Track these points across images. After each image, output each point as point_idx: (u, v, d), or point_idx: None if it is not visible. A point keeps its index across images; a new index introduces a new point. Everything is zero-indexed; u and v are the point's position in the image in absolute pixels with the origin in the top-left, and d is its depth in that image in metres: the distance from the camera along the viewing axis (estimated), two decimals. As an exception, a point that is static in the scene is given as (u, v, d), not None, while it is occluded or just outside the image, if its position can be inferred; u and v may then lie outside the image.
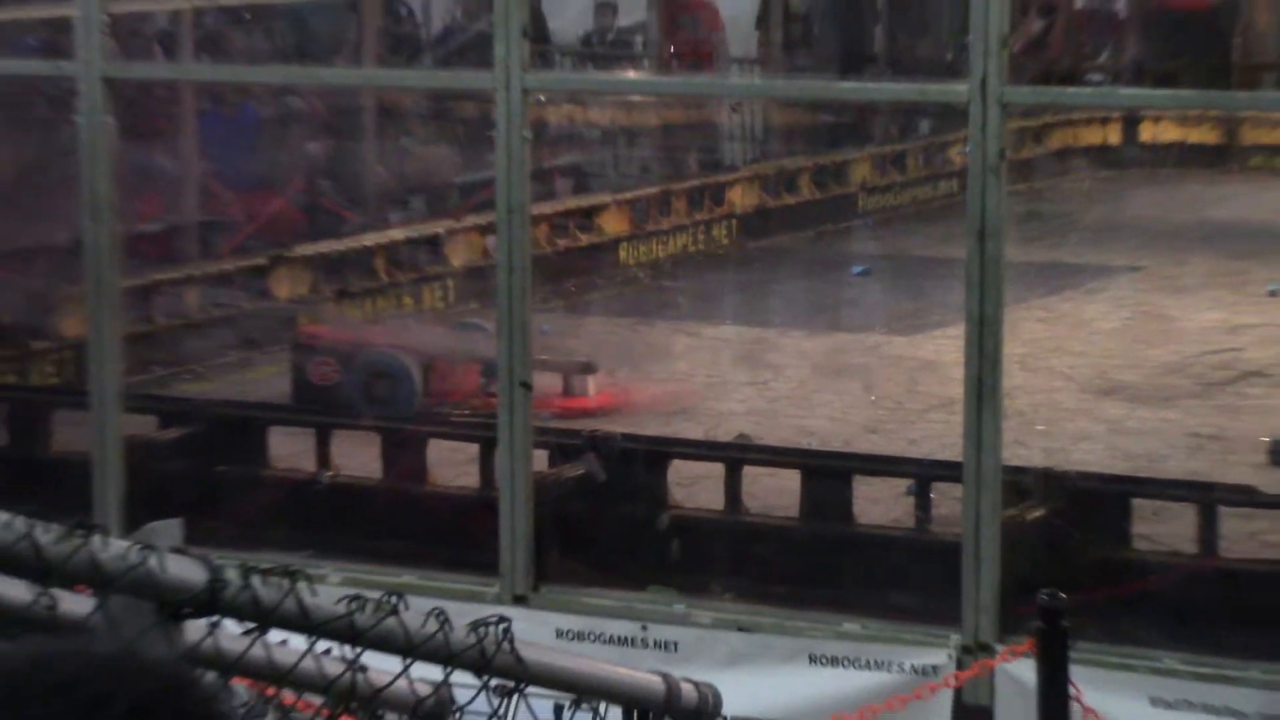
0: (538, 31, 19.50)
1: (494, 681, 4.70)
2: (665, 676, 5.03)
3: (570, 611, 8.68)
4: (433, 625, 4.49)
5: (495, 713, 4.77)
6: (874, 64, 19.90)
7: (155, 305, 12.66)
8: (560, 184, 16.86)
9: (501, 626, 4.58)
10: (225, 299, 13.55)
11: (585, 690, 4.89)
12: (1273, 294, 14.91)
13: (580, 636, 8.50)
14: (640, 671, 5.19)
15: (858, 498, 9.50)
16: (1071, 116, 20.24)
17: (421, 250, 14.77)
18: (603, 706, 4.92)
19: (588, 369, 11.91)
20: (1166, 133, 20.70)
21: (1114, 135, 20.78)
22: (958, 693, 8.08)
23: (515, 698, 4.78)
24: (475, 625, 4.61)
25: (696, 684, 5.09)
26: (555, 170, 16.73)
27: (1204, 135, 20.72)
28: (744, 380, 12.78)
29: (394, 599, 4.49)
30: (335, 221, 15.38)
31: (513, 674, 4.65)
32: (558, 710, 5.00)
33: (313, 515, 9.76)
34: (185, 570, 3.84)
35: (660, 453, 9.90)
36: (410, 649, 4.49)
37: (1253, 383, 12.75)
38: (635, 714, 4.97)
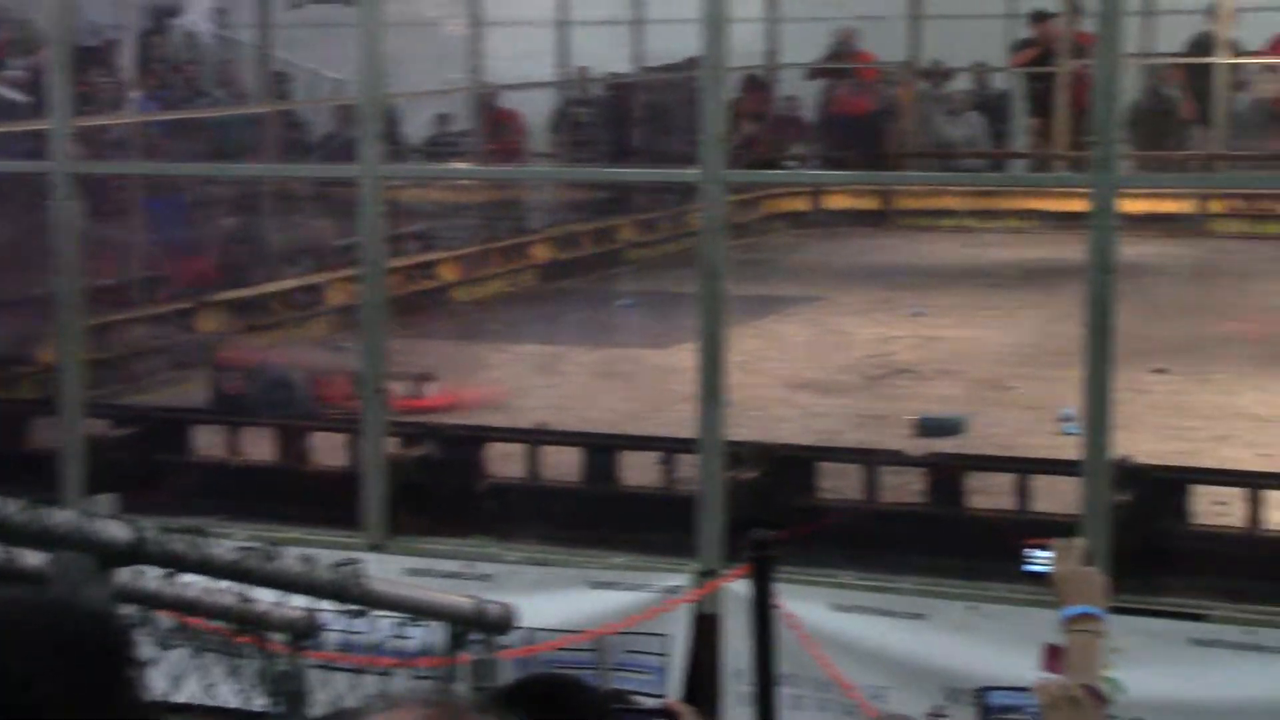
0: (392, 135, 19.35)
1: (349, 607, 4.63)
2: (474, 599, 4.97)
3: (415, 555, 8.60)
4: (303, 566, 4.41)
5: (351, 630, 4.69)
6: (635, 154, 19.97)
7: (111, 338, 12.46)
8: (411, 245, 16.81)
9: (354, 566, 4.51)
10: (162, 333, 13.40)
11: (416, 611, 4.83)
12: (914, 315, 15.03)
13: (422, 573, 8.41)
14: (458, 596, 5.13)
15: (623, 466, 9.47)
16: (774, 191, 20.37)
17: (309, 294, 14.71)
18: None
19: (428, 378, 11.81)
20: (841, 202, 20.89)
21: (805, 204, 20.92)
22: (696, 605, 8.07)
23: (365, 619, 4.70)
24: (335, 566, 4.53)
25: (498, 603, 5.04)
26: (408, 235, 16.71)
27: (868, 203, 20.93)
28: (541, 384, 12.73)
29: (273, 548, 4.41)
30: (244, 275, 15.27)
31: (362, 601, 4.58)
32: (398, 626, 4.92)
33: (225, 489, 9.61)
34: (116, 531, 3.75)
35: (479, 437, 9.83)
36: (287, 585, 4.41)
37: (902, 377, 12.86)
38: (453, 627, 4.92)
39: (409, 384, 11.40)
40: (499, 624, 4.99)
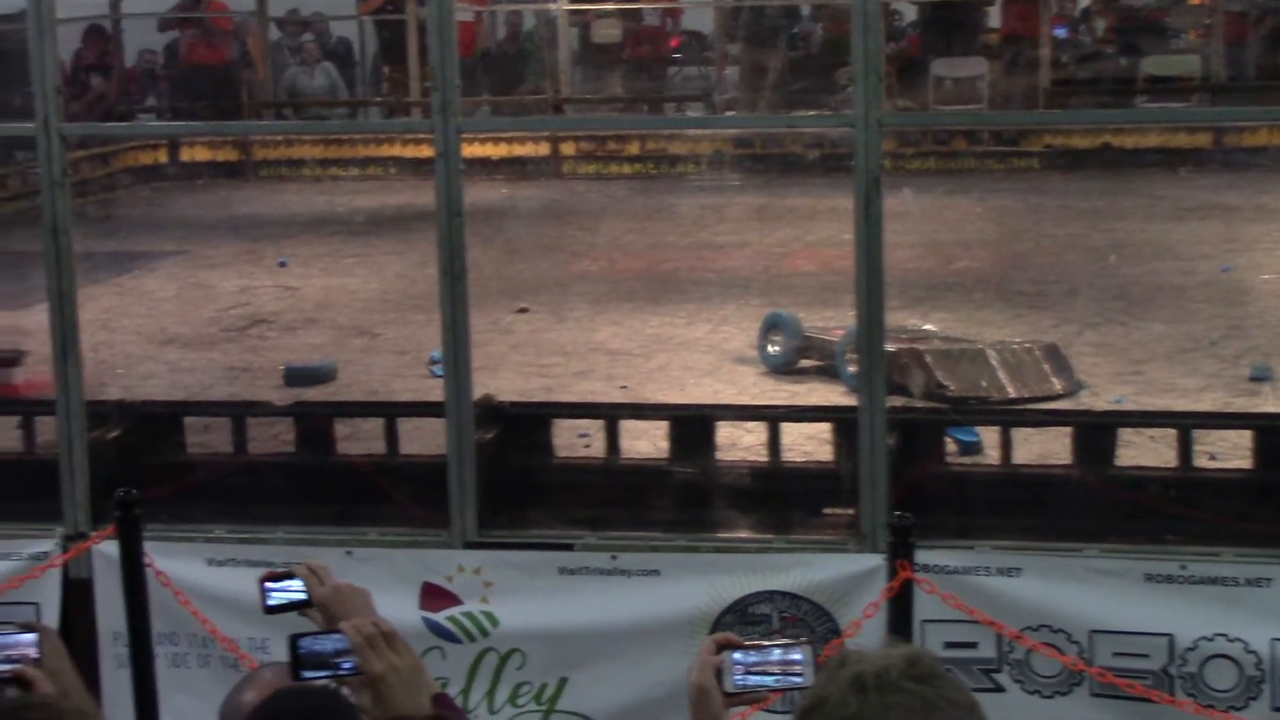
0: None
1: None
2: None
3: None
4: None
5: None
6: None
7: None
8: None
9: None
10: None
11: None
12: (281, 265, 14.96)
13: None
14: None
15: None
16: (127, 145, 19.87)
17: None
18: None
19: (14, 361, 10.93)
20: (200, 154, 20.58)
21: (163, 156, 20.50)
22: (65, 569, 7.81)
23: None
24: None
25: None
26: None
27: (227, 155, 20.69)
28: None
29: None
30: None
31: None
32: None
33: None
34: None
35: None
36: None
37: (269, 328, 12.78)
38: None
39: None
40: None
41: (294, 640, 3.25)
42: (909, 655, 2.65)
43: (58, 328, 7.89)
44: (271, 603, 3.44)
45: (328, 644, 3.25)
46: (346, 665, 3.25)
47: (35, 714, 2.94)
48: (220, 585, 7.61)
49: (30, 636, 3.70)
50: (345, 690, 3.33)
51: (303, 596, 3.47)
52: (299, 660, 3.25)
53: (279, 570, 3.49)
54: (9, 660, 3.66)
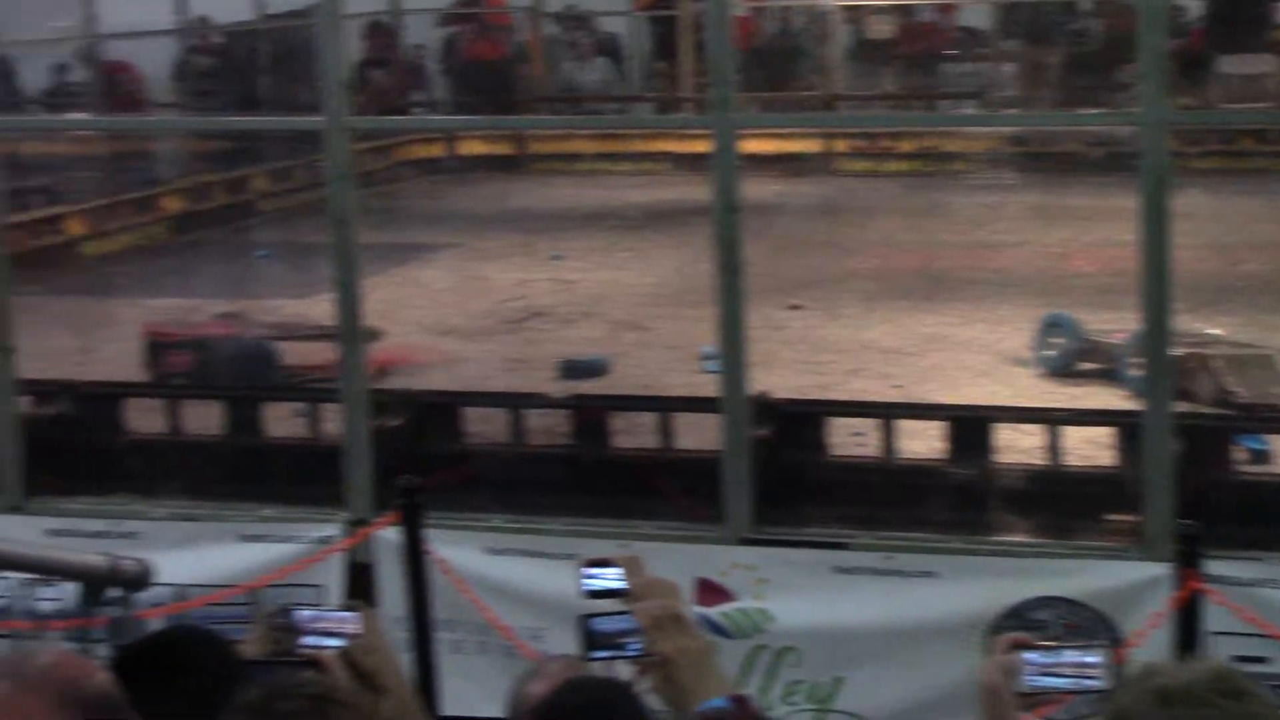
0: (8, 86, 18.71)
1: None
2: (109, 555, 4.83)
3: (56, 516, 8.32)
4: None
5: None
6: (262, 103, 19.66)
7: None
8: (34, 199, 16.28)
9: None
10: None
11: (46, 570, 4.67)
12: (554, 259, 15.12)
13: (65, 534, 8.15)
14: (87, 553, 4.98)
15: (268, 419, 9.33)
16: (407, 138, 20.25)
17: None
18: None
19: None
20: (475, 147, 20.88)
21: (439, 150, 20.84)
22: (349, 554, 7.99)
23: None
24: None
25: (134, 559, 4.90)
26: (31, 189, 16.18)
27: (502, 148, 20.96)
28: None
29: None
30: None
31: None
32: (26, 586, 4.74)
33: None
34: None
35: (116, 394, 9.58)
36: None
37: (543, 321, 12.92)
38: (87, 585, 4.78)
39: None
40: (135, 580, 4.86)
41: (584, 620, 3.27)
42: (1215, 669, 2.58)
43: (342, 317, 8.07)
44: (590, 588, 3.46)
45: (618, 625, 3.26)
46: (635, 646, 3.26)
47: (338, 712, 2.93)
48: (498, 573, 7.72)
49: (349, 614, 3.78)
50: (632, 670, 3.34)
51: (621, 584, 3.49)
52: (589, 640, 3.27)
53: (600, 558, 3.52)
54: (325, 634, 3.74)
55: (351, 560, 7.94)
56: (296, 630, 3.85)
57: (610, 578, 3.49)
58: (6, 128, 8.84)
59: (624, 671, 3.41)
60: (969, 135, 19.25)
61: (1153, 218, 7.05)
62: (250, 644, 4.03)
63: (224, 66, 20.49)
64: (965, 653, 6.88)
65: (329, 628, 3.80)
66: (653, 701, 3.31)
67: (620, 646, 3.26)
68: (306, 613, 3.84)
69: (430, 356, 11.72)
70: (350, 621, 3.74)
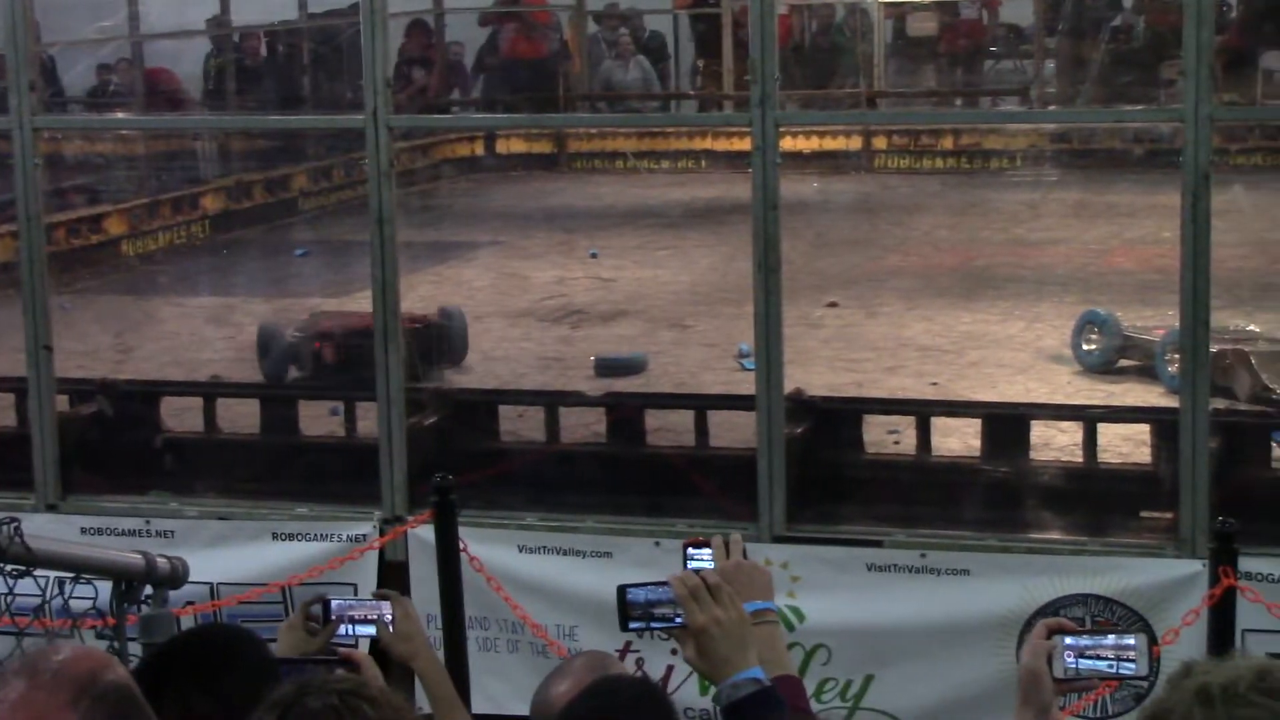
0: (51, 85, 18.80)
1: (9, 566, 4.48)
2: (144, 554, 4.84)
3: (91, 514, 8.36)
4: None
5: (10, 590, 4.55)
6: (303, 102, 19.69)
7: None
8: (75, 198, 16.34)
9: (13, 525, 4.36)
10: None
11: (80, 568, 4.69)
12: (592, 256, 15.11)
13: (101, 532, 8.19)
14: (125, 552, 4.99)
15: (302, 417, 9.37)
16: (446, 136, 20.27)
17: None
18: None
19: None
20: (515, 146, 20.89)
21: (479, 148, 20.85)
22: (381, 552, 8.00)
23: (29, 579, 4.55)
24: (-8, 526, 4.37)
25: (170, 558, 4.91)
26: (72, 189, 16.24)
27: (541, 147, 20.96)
28: (216, 336, 12.50)
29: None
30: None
31: (23, 560, 4.44)
32: (60, 584, 4.76)
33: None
34: None
35: (152, 393, 9.61)
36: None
37: (580, 318, 12.92)
38: (124, 584, 4.78)
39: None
40: (170, 578, 4.87)
41: (622, 590, 3.27)
42: (1258, 668, 2.55)
43: (381, 315, 8.08)
44: (692, 568, 3.46)
45: (654, 594, 3.26)
46: (671, 617, 3.26)
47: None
48: (531, 572, 7.71)
49: (383, 604, 3.79)
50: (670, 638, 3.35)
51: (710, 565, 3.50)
52: (626, 610, 3.27)
53: (700, 538, 3.54)
54: (358, 622, 3.76)
55: (385, 558, 7.96)
56: (331, 620, 3.87)
57: (705, 559, 3.51)
58: (44, 126, 8.85)
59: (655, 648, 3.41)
60: (1009, 132, 19.18)
61: (1194, 215, 7.01)
62: (284, 635, 4.04)
63: (267, 65, 20.53)
64: (998, 651, 6.85)
65: (363, 615, 3.81)
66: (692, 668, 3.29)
67: (656, 617, 3.27)
68: (341, 601, 3.86)
69: None
70: (384, 610, 3.75)
